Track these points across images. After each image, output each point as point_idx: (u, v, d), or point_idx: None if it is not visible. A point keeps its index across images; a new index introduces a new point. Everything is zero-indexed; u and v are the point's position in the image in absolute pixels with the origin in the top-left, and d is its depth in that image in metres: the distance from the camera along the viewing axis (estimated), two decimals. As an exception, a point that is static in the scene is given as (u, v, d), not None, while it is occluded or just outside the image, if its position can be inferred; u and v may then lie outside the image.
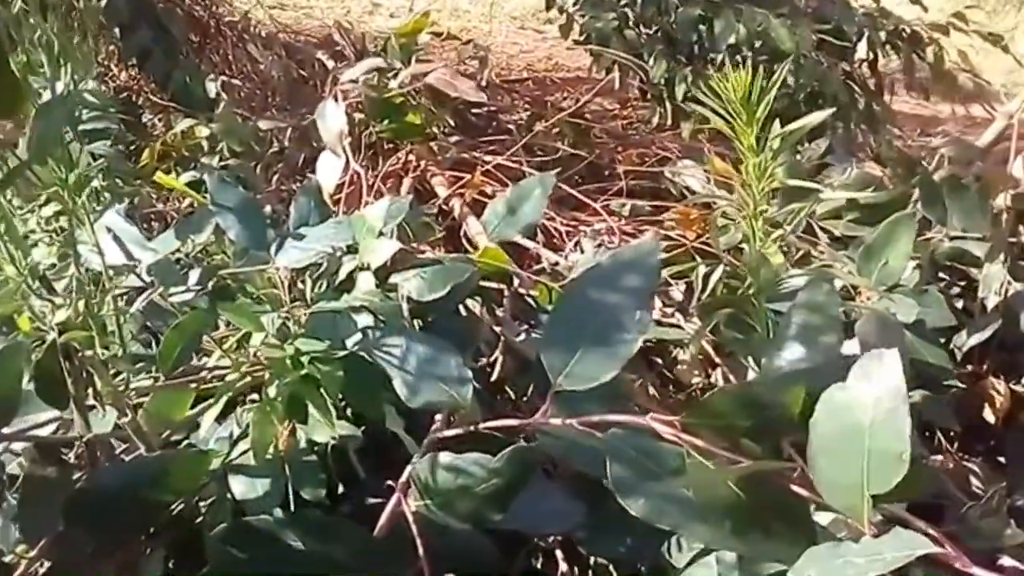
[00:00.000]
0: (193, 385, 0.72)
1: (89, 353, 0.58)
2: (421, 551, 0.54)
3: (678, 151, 1.53)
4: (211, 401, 0.64)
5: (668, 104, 1.91)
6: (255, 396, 0.75)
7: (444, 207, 1.35)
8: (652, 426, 0.44)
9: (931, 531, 0.36)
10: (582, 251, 1.21)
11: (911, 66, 1.60)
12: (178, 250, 0.96)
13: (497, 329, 0.92)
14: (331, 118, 1.08)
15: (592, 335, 0.50)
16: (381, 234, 0.73)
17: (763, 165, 0.61)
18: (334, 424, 0.62)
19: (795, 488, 0.41)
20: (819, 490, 0.38)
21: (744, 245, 0.65)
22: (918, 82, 1.65)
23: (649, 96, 2.00)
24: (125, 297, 0.69)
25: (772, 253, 0.63)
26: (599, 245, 1.22)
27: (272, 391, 0.62)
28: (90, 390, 0.61)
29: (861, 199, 1.11)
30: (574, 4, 1.90)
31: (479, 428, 0.56)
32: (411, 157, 1.50)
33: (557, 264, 1.21)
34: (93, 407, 0.62)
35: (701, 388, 0.70)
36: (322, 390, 0.64)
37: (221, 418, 0.72)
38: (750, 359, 0.65)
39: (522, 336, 0.90)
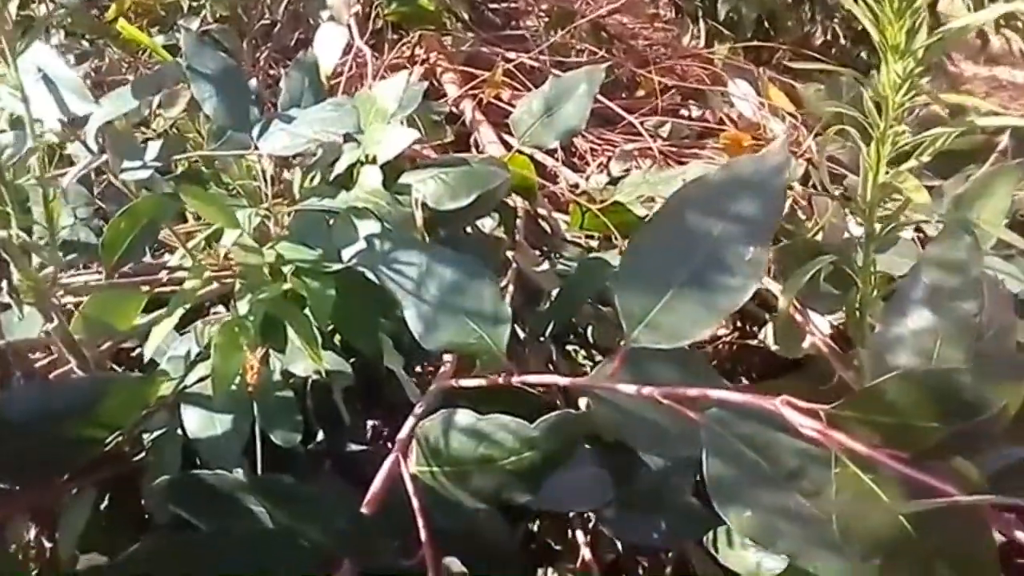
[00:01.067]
0: (145, 288, 0.58)
1: (3, 234, 0.44)
2: (423, 534, 0.41)
3: (715, 72, 1.37)
4: (164, 311, 0.50)
5: (703, 23, 1.74)
6: (221, 308, 0.61)
7: (454, 109, 1.19)
8: (783, 414, 0.31)
9: None
10: (609, 174, 1.07)
11: (979, 5, 1.44)
12: (140, 124, 0.80)
13: (509, 254, 0.78)
14: (341, -24, 0.90)
15: (689, 275, 0.37)
16: (392, 119, 0.58)
17: (907, 71, 0.47)
18: (320, 356, 0.49)
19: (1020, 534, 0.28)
20: None
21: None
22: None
23: (682, 14, 1.82)
24: (58, 167, 0.54)
25: (907, 185, 0.49)
26: (628, 169, 1.07)
27: (243, 307, 0.48)
28: (4, 283, 0.46)
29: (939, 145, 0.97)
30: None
31: (509, 381, 0.43)
32: (419, 49, 1.33)
33: (577, 186, 1.06)
34: (7, 307, 0.47)
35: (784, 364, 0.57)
36: (307, 311, 0.50)
37: (178, 330, 0.58)
38: (852, 323, 0.52)
39: (543, 266, 0.76)
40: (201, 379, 0.54)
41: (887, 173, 0.50)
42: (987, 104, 0.57)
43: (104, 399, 0.46)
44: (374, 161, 0.58)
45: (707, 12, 1.65)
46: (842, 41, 1.79)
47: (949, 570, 0.28)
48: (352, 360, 0.56)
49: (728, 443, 0.33)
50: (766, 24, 1.70)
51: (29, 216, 0.45)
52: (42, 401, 0.46)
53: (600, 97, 1.32)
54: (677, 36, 1.85)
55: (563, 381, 0.42)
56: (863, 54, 1.73)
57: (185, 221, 0.72)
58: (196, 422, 0.51)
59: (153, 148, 0.58)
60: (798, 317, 0.55)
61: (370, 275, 0.48)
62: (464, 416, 0.42)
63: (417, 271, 0.44)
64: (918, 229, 0.79)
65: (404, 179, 0.58)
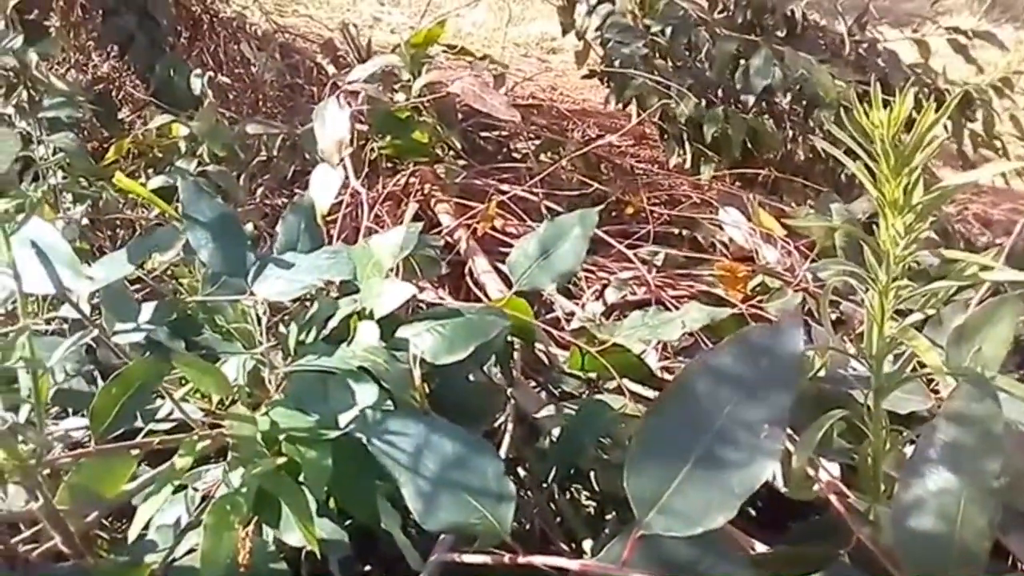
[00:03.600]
0: (135, 452, 0.56)
1: (-11, 417, 0.42)
2: None
3: (708, 197, 1.39)
4: (150, 489, 0.48)
5: (688, 145, 1.77)
6: (213, 469, 0.59)
7: (449, 239, 1.20)
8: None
9: None
10: (605, 303, 1.06)
11: (960, 129, 1.48)
12: (140, 266, 0.80)
13: (508, 390, 0.77)
14: (332, 123, 0.92)
15: (700, 455, 0.35)
16: (390, 273, 0.58)
17: (907, 226, 0.47)
18: (314, 534, 0.46)
19: None
20: None
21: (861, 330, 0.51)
22: (960, 150, 1.53)
23: (667, 136, 1.86)
24: (51, 332, 0.53)
25: (916, 344, 0.48)
26: (623, 296, 1.07)
27: (235, 479, 0.46)
28: (-12, 463, 0.45)
29: (931, 270, 0.98)
30: (596, 29, 1.76)
31: (515, 562, 0.40)
32: (413, 180, 1.35)
33: (573, 315, 1.06)
34: (-9, 485, 0.46)
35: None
36: (301, 481, 0.48)
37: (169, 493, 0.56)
38: (865, 474, 0.50)
39: (545, 408, 0.75)
40: (191, 551, 0.51)
41: (892, 327, 0.49)
42: (985, 260, 0.57)
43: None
44: (371, 316, 0.57)
45: (692, 135, 1.69)
46: (824, 157, 1.83)
47: None
48: (348, 523, 0.54)
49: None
50: (749, 144, 1.74)
51: (17, 395, 0.44)
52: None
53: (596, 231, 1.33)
54: (664, 157, 1.89)
55: (572, 565, 0.39)
56: (845, 173, 1.77)
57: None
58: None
59: (147, 310, 0.57)
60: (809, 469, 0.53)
61: (366, 442, 0.46)
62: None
63: (415, 443, 0.42)
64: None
65: (401, 333, 0.57)
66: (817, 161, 1.84)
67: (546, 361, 0.90)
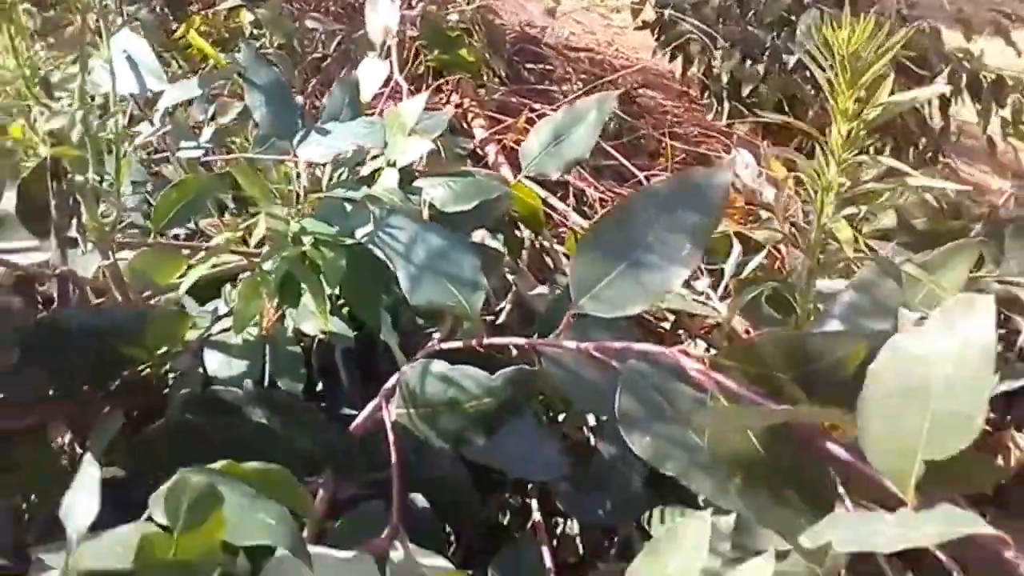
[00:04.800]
0: (186, 252, 0.67)
1: (80, 179, 0.53)
2: (393, 459, 0.49)
3: (729, 145, 1.47)
4: (199, 267, 0.59)
5: (727, 103, 1.85)
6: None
7: (479, 150, 1.30)
8: (679, 360, 0.39)
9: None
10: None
11: (988, 112, 1.53)
12: (195, 126, 0.91)
13: (511, 277, 0.87)
14: (383, 9, 1.00)
15: (631, 260, 0.45)
16: (413, 132, 0.67)
17: (853, 133, 0.56)
18: (327, 315, 0.57)
19: (831, 446, 0.35)
20: (864, 448, 0.33)
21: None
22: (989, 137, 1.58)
23: (708, 93, 1.93)
24: (129, 131, 0.64)
25: (840, 228, 0.57)
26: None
27: (267, 264, 0.57)
28: (74, 221, 0.56)
29: (918, 226, 1.06)
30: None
31: (481, 344, 0.51)
32: (455, 96, 1.45)
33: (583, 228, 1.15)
34: (75, 241, 0.57)
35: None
36: (320, 277, 0.59)
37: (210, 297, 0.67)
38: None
39: (537, 291, 0.85)
40: (224, 330, 0.63)
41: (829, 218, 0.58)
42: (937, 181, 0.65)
43: (148, 325, 0.55)
44: (394, 165, 0.67)
45: (732, 94, 1.75)
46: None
47: (789, 480, 0.36)
48: (355, 333, 0.65)
49: (639, 385, 0.41)
50: (786, 107, 1.80)
51: (102, 167, 0.54)
52: (96, 320, 0.55)
53: (619, 157, 1.43)
54: (703, 113, 1.97)
55: (521, 341, 0.50)
56: (875, 145, 1.83)
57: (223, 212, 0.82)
58: (216, 363, 0.60)
59: (207, 132, 0.68)
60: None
61: (377, 252, 0.57)
62: (438, 365, 0.51)
63: (408, 236, 0.53)
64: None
65: (417, 183, 0.67)
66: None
67: (552, 264, 1.00)
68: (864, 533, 0.29)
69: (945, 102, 1.62)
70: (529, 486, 0.65)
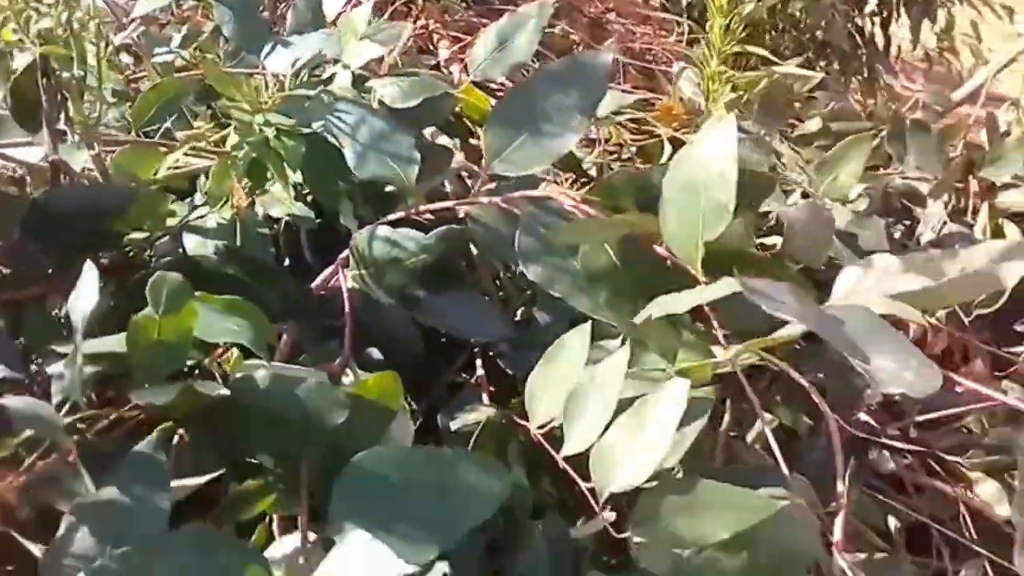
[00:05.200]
0: (163, 149, 0.76)
1: (66, 75, 0.62)
2: (347, 307, 0.59)
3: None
4: (176, 152, 0.68)
5: (686, 25, 1.92)
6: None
7: (444, 69, 1.37)
8: (558, 199, 0.49)
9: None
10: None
11: (918, 27, 1.62)
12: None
13: (465, 174, 0.96)
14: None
15: (533, 128, 0.55)
16: (365, 37, 0.76)
17: (729, 25, 0.65)
18: (291, 200, 0.67)
19: (658, 248, 0.46)
20: (666, 241, 0.44)
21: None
22: (922, 47, 1.67)
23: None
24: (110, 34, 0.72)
25: (719, 108, 0.67)
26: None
27: (234, 145, 0.66)
28: (63, 116, 0.64)
29: (834, 128, 1.15)
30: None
31: (419, 212, 0.61)
32: (422, 18, 1.51)
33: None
34: (64, 133, 0.65)
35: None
36: (283, 163, 0.68)
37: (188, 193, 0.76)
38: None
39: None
40: (200, 216, 0.72)
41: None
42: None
43: (133, 203, 0.64)
44: (347, 67, 0.76)
45: (691, 17, 1.82)
46: (808, 55, 1.97)
47: (646, 289, 0.46)
48: (318, 221, 0.74)
49: (533, 226, 0.51)
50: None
51: (86, 64, 0.63)
52: (86, 200, 0.64)
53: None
54: (667, 36, 2.04)
55: (447, 204, 0.60)
56: (830, 67, 1.92)
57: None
58: (193, 243, 0.69)
59: (177, 38, 0.76)
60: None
61: (332, 140, 0.66)
62: (383, 230, 0.60)
63: (355, 119, 0.62)
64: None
65: (370, 83, 0.76)
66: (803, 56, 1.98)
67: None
68: (669, 302, 0.40)
69: (885, 19, 1.70)
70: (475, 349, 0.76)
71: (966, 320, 1.08)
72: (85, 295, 0.43)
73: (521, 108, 0.55)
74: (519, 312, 0.80)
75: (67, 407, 0.42)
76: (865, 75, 1.57)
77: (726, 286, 0.40)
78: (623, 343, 0.51)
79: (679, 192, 0.45)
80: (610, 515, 0.57)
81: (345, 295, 0.59)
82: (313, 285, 0.62)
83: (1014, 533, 0.53)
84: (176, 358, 0.43)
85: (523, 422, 0.54)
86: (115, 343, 0.42)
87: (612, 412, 0.46)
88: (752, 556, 0.47)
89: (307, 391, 0.45)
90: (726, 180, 0.44)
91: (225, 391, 0.43)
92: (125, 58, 0.97)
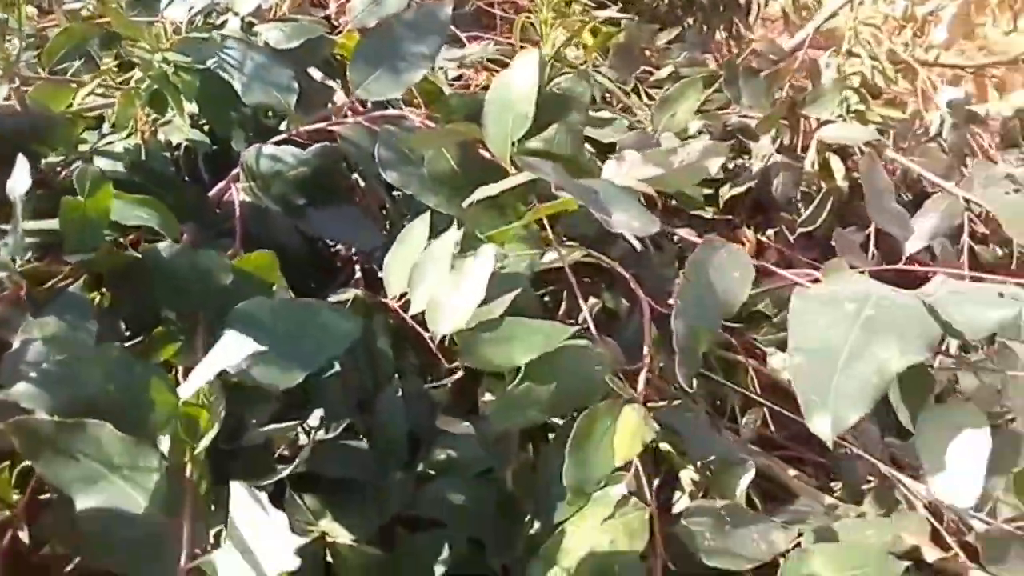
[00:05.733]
0: (74, 85, 0.86)
1: (-11, 18, 0.72)
2: (238, 210, 0.71)
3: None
4: (87, 86, 0.78)
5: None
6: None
7: (334, 22, 1.48)
8: (409, 116, 0.62)
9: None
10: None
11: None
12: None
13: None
14: None
15: (389, 63, 0.67)
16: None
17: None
18: (187, 127, 0.78)
19: (483, 152, 0.60)
20: (487, 144, 0.57)
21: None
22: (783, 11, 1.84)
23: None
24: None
25: (548, 47, 0.81)
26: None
27: (138, 77, 0.76)
28: (-15, 53, 0.74)
29: (682, 74, 1.31)
30: None
31: (298, 132, 0.73)
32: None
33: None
34: (-15, 72, 0.75)
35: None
36: (181, 95, 0.79)
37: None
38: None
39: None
40: (109, 143, 0.82)
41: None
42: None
43: (52, 128, 0.74)
44: (237, 13, 0.87)
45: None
46: (677, 10, 2.13)
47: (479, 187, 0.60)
48: (214, 148, 0.86)
49: (391, 140, 0.64)
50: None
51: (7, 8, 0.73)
52: (13, 123, 0.74)
53: (457, 31, 1.63)
54: None
55: (321, 125, 0.72)
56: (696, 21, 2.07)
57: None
58: (104, 161, 0.80)
59: (86, -11, 0.86)
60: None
61: (223, 75, 0.77)
62: (268, 148, 0.72)
63: (240, 55, 0.73)
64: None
65: (257, 28, 0.87)
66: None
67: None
68: (487, 188, 0.54)
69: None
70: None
71: (791, 238, 1.26)
72: (19, 180, 0.54)
73: (378, 48, 0.68)
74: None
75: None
76: (725, 29, 1.73)
77: (523, 176, 0.54)
78: (458, 227, 0.64)
79: (495, 107, 0.59)
80: (458, 372, 0.72)
81: (236, 203, 0.71)
82: (210, 194, 0.73)
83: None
84: (97, 232, 0.54)
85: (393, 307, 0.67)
86: (49, 224, 0.54)
87: (445, 277, 0.60)
88: (558, 386, 0.62)
89: (201, 257, 0.57)
90: (528, 97, 0.58)
91: (137, 255, 0.54)
92: (30, 10, 1.06)
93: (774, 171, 1.18)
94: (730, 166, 1.20)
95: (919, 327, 0.45)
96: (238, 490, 0.41)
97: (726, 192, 1.16)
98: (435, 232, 0.74)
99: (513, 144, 0.58)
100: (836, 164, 1.25)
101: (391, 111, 0.65)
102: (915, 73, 1.36)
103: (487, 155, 0.62)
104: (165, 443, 0.46)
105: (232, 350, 0.44)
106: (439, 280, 0.59)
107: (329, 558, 0.60)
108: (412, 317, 0.63)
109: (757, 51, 1.28)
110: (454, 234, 0.60)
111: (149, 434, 0.45)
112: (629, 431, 0.55)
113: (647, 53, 1.29)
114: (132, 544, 0.42)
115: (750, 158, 1.22)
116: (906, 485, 0.76)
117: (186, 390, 0.44)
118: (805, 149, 1.27)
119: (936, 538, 0.70)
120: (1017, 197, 0.91)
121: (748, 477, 0.69)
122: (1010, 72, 1.39)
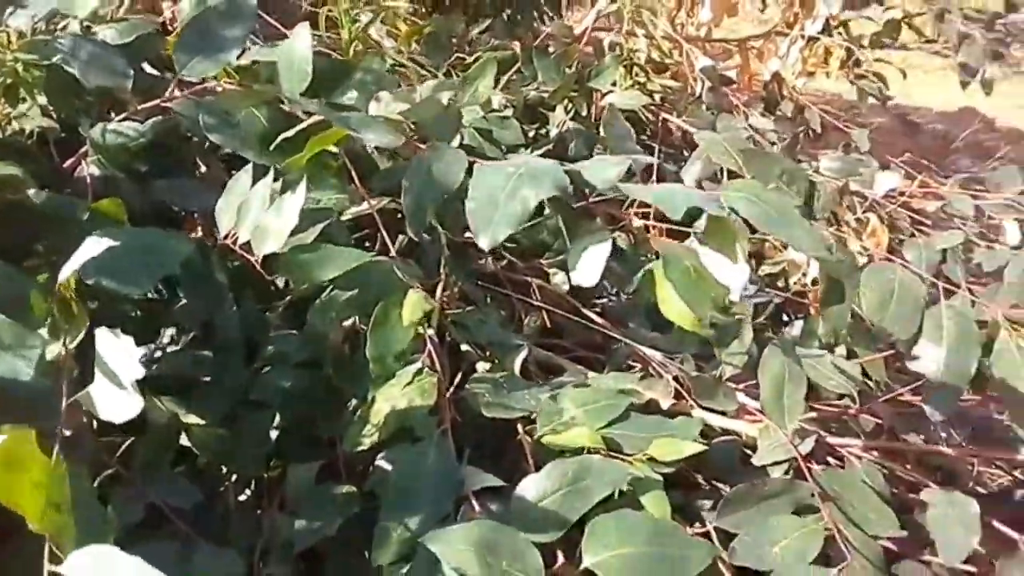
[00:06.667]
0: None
1: None
2: (88, 182, 0.85)
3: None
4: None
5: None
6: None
7: (169, 28, 1.61)
8: (225, 86, 0.78)
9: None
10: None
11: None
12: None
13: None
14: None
15: (209, 47, 0.83)
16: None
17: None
18: (39, 115, 0.91)
19: (285, 109, 0.77)
20: (283, 97, 0.74)
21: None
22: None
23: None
24: None
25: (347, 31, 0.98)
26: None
27: (-8, 79, 0.89)
28: None
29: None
30: None
31: (136, 110, 0.88)
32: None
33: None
34: None
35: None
36: (32, 88, 0.92)
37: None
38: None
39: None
40: (-33, 133, 0.94)
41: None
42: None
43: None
44: (75, 17, 1.00)
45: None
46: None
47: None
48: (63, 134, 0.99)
49: (213, 109, 0.79)
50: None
51: None
52: None
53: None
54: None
55: (156, 102, 0.87)
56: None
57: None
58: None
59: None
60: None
61: (69, 70, 0.91)
62: (112, 124, 0.86)
63: (82, 51, 0.87)
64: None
65: (94, 29, 1.01)
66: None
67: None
68: (284, 136, 0.70)
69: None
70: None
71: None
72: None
73: (198, 34, 0.83)
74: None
75: None
76: (537, 18, 1.95)
77: (311, 119, 0.71)
78: (275, 176, 0.81)
79: (283, 67, 0.76)
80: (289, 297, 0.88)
81: (87, 173, 0.85)
82: (65, 165, 0.87)
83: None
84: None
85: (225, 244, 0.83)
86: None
87: (265, 211, 0.76)
88: (361, 292, 0.79)
89: (62, 200, 0.71)
90: (305, 58, 0.76)
91: (16, 198, 0.68)
92: None
93: (569, 136, 1.39)
94: (531, 133, 1.40)
95: (552, 178, 0.66)
96: (102, 333, 0.56)
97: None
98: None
99: (303, 96, 0.75)
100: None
101: (211, 83, 0.81)
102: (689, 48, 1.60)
103: (289, 111, 0.78)
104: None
105: (91, 247, 0.58)
106: (260, 211, 0.76)
107: (186, 441, 0.75)
108: (241, 248, 0.79)
109: (553, 35, 1.49)
110: (271, 176, 0.77)
111: (32, 325, 0.59)
112: (412, 305, 0.73)
113: (456, 42, 1.48)
114: (24, 402, 0.56)
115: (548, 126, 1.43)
116: (659, 362, 0.97)
117: (61, 277, 0.58)
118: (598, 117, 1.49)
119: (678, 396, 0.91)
120: (738, 140, 1.15)
121: (522, 356, 0.88)
122: (767, 43, 1.66)
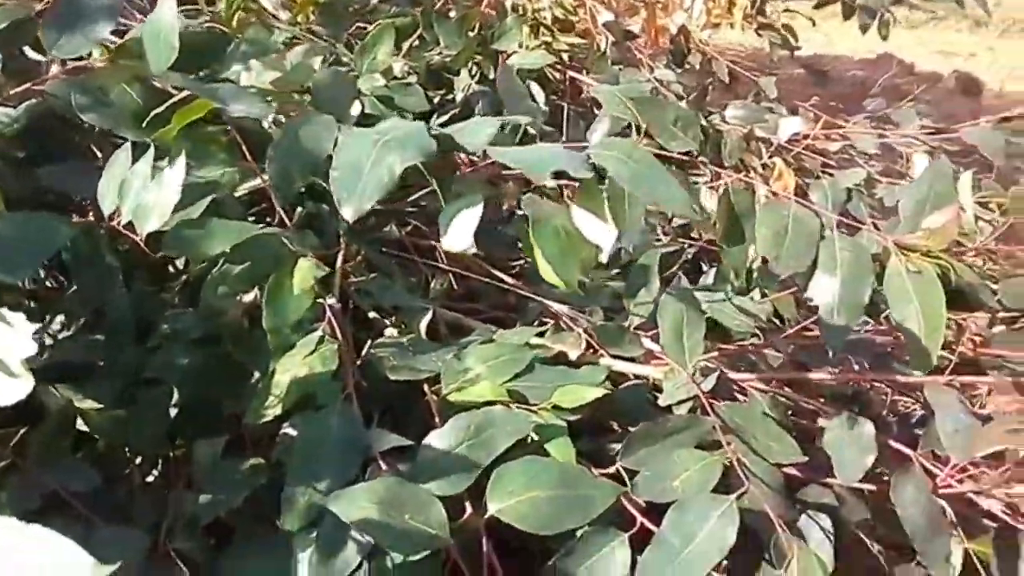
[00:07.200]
0: None
1: None
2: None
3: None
4: None
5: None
6: None
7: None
8: (96, 65, 0.76)
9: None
10: None
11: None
12: None
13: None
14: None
15: (80, 21, 0.80)
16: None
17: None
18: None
19: (159, 85, 0.75)
20: (150, 71, 0.73)
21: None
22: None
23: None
24: None
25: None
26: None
27: None
28: None
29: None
30: None
31: (9, 95, 0.85)
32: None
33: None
34: None
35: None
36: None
37: None
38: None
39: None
40: None
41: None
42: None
43: None
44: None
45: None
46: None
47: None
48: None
49: (85, 86, 0.77)
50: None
51: None
52: None
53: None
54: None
55: (26, 86, 0.84)
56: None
57: None
58: None
59: None
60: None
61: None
62: (-15, 111, 0.83)
63: None
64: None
65: None
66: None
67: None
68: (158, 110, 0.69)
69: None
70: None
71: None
72: None
73: (67, 15, 0.81)
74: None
75: None
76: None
77: (183, 94, 0.69)
78: (158, 154, 0.79)
79: (148, 41, 0.74)
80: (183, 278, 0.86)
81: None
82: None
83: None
84: None
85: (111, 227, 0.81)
86: None
87: (146, 185, 0.75)
88: (253, 265, 0.78)
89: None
90: (171, 30, 0.74)
91: None
92: None
93: (474, 99, 1.38)
94: (437, 99, 1.39)
95: (418, 144, 0.66)
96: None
97: (435, 122, 1.35)
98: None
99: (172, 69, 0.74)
100: (534, 88, 1.48)
101: (83, 63, 0.79)
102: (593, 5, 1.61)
103: (162, 87, 0.77)
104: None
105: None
106: (141, 189, 0.74)
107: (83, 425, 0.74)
108: (126, 228, 0.77)
109: (454, -1, 1.48)
110: (151, 153, 0.75)
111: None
112: (302, 273, 0.73)
113: (356, 11, 1.46)
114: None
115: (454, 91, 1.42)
116: (569, 316, 0.98)
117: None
118: (507, 80, 1.49)
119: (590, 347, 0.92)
120: (638, 92, 1.16)
121: (427, 318, 0.88)
122: (671, -2, 1.68)
